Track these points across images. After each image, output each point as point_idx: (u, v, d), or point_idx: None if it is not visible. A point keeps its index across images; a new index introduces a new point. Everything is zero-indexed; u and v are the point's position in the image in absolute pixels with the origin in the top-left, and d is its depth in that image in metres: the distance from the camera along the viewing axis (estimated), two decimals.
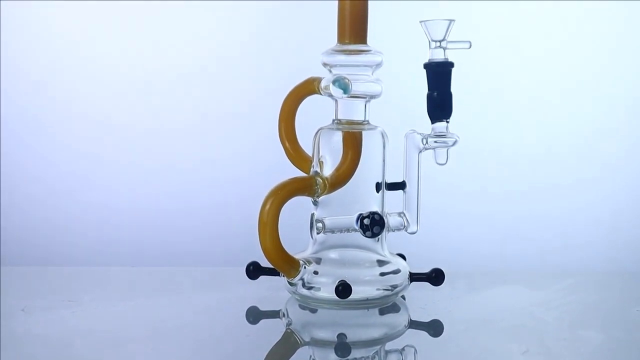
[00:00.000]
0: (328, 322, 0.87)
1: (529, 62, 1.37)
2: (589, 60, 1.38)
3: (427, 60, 0.89)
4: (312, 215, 0.90)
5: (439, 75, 0.89)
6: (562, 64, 1.37)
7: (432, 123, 0.90)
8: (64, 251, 1.38)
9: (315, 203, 0.90)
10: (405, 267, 0.91)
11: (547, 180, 1.39)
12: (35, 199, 1.39)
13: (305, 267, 0.87)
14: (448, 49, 0.88)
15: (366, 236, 0.88)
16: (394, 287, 0.89)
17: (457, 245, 1.37)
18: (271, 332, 0.86)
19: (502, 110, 1.38)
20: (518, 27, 1.38)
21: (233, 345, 0.82)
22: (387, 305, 0.90)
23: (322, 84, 0.89)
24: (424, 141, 0.90)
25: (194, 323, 0.87)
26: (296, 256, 0.88)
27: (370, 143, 0.89)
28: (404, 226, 0.91)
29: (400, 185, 0.91)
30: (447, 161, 0.90)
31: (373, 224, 0.88)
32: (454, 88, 0.89)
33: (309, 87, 0.93)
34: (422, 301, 0.93)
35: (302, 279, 0.88)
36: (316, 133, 0.90)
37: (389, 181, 0.91)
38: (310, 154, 0.93)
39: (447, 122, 0.89)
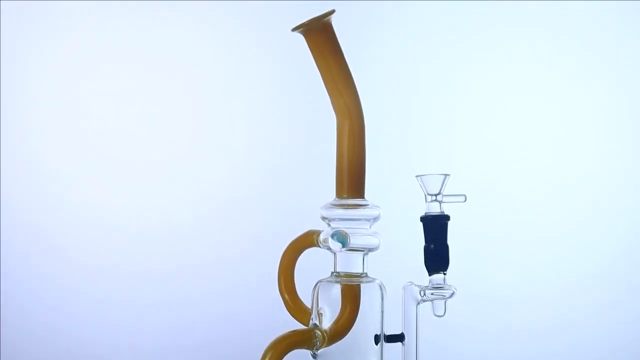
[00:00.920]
0: None
1: (524, 214, 1.40)
2: (580, 213, 1.40)
3: (423, 214, 0.90)
4: None
5: (435, 228, 0.90)
6: (555, 216, 1.40)
7: (430, 275, 0.90)
8: None
9: (314, 356, 0.89)
10: None
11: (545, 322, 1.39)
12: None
13: None
14: (444, 202, 0.90)
15: None
16: None
17: None
18: None
19: (500, 261, 1.40)
20: (513, 176, 1.41)
21: None
22: None
23: (321, 237, 0.90)
24: (422, 293, 0.90)
25: None
26: None
27: (368, 295, 0.90)
28: None
29: (399, 338, 0.91)
30: (445, 313, 0.91)
31: None
32: (450, 240, 0.90)
33: (307, 240, 0.93)
34: None
35: None
36: (315, 286, 0.91)
37: (387, 333, 0.91)
38: (309, 305, 0.93)
39: (445, 274, 0.90)
